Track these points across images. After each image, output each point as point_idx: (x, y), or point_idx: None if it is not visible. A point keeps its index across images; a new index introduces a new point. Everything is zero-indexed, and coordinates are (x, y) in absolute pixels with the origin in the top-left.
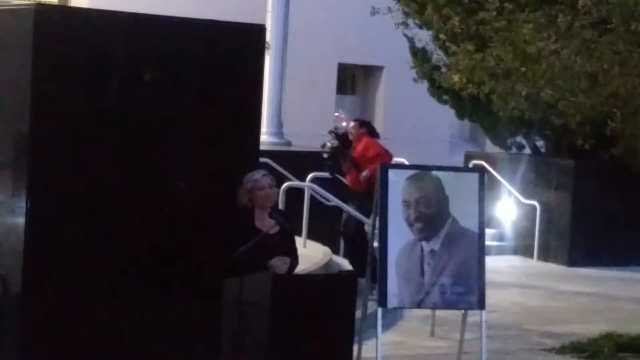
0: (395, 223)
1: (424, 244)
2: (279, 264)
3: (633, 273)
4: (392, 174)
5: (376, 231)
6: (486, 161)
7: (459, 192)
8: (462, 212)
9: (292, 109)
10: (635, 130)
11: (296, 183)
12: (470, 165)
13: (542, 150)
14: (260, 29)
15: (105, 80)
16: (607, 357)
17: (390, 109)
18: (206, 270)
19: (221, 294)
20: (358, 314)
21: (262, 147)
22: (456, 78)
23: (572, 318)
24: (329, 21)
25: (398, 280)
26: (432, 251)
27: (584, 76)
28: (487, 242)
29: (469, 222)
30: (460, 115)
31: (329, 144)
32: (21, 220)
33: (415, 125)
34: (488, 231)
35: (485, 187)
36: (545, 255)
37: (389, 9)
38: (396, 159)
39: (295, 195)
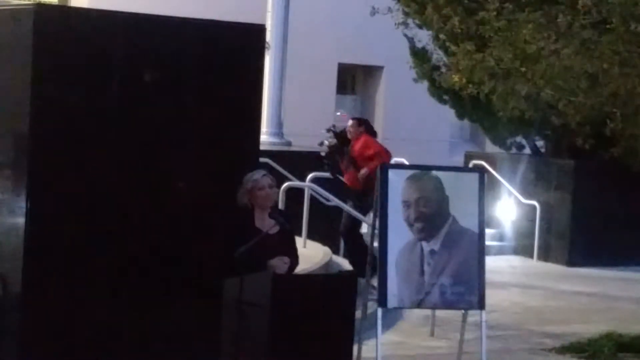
0: (395, 223)
1: (424, 244)
2: (279, 264)
3: (633, 273)
4: (392, 173)
5: (376, 231)
6: (486, 161)
7: (459, 192)
8: (462, 212)
9: (292, 109)
10: (635, 130)
11: (296, 183)
12: (470, 165)
13: (542, 150)
14: (260, 29)
15: (105, 80)
16: (607, 357)
17: (390, 109)
18: (206, 270)
19: (221, 294)
20: (358, 314)
21: (262, 147)
22: (456, 78)
23: (572, 318)
24: (329, 21)
25: (398, 280)
26: (432, 251)
27: (584, 76)
28: (487, 242)
29: (469, 222)
30: (460, 115)
31: (327, 142)
32: (21, 220)
33: (415, 125)
34: (488, 231)
35: (485, 187)
36: (545, 255)
37: (389, 9)
38: (396, 159)
39: (295, 195)
